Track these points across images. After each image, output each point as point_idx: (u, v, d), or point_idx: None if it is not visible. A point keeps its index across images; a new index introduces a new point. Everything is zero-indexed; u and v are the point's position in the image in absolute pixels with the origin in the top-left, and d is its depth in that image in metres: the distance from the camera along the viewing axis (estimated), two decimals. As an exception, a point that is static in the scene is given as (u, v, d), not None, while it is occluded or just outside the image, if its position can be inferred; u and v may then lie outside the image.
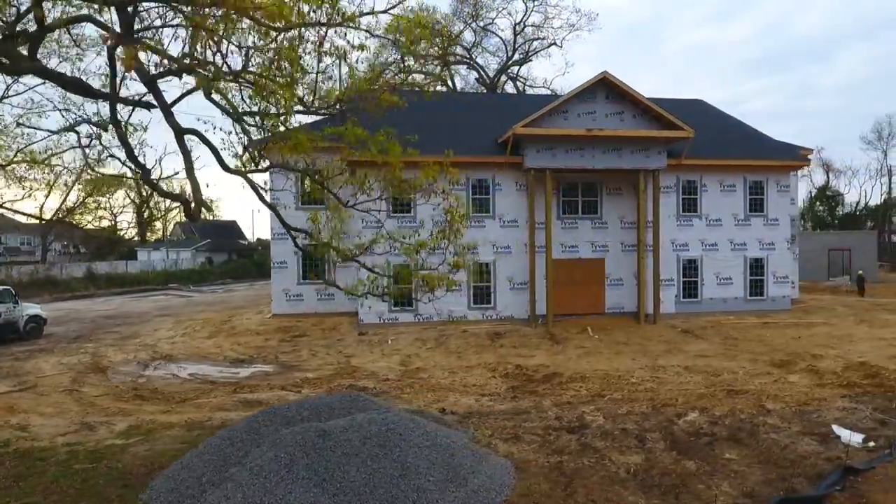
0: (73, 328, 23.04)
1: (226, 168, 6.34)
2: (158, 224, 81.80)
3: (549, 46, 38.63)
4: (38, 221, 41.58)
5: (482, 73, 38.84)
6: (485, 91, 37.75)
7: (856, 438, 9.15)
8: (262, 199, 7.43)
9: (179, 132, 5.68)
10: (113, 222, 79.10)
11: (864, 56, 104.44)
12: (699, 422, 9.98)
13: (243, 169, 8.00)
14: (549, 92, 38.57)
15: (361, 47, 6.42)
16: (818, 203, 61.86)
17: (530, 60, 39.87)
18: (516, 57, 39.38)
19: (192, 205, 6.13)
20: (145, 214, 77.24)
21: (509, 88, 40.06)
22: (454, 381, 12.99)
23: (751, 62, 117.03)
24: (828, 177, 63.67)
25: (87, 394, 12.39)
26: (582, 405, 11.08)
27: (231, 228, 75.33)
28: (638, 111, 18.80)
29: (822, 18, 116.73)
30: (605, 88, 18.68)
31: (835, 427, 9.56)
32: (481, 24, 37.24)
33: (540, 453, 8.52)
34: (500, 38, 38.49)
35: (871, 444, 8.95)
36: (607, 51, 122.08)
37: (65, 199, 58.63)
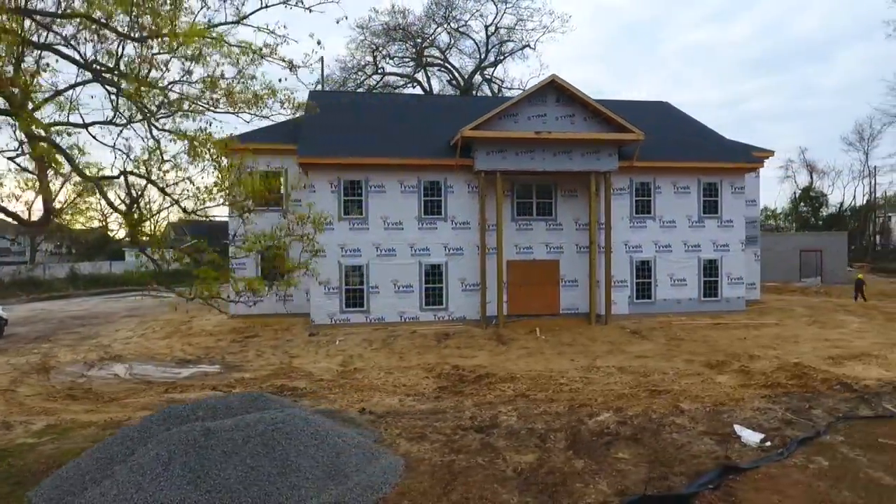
0: (37, 328, 23.13)
1: (82, 175, 6.49)
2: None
3: (522, 48, 38.88)
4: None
5: (455, 74, 39.08)
6: (458, 93, 37.97)
7: (755, 438, 9.33)
8: (109, 203, 7.62)
9: (32, 139, 5.83)
10: (104, 223, 79.00)
11: (863, 56, 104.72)
12: (608, 421, 10.12)
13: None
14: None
15: (197, 57, 6.56)
16: (802, 204, 62.15)
17: (502, 61, 40.19)
18: (491, 59, 39.67)
19: (42, 213, 6.29)
20: (136, 215, 77.52)
21: (486, 90, 40.29)
22: (386, 382, 13.14)
23: (750, 62, 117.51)
24: (811, 177, 64.10)
25: (20, 394, 12.52)
26: (502, 405, 11.21)
27: (223, 229, 75.79)
28: (588, 114, 18.96)
29: (821, 18, 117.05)
30: (556, 91, 18.83)
31: (736, 427, 9.72)
32: (454, 25, 37.48)
33: (438, 452, 8.66)
34: (474, 40, 38.82)
35: (768, 443, 9.12)
36: (606, 51, 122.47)
37: (53, 200, 58.80)
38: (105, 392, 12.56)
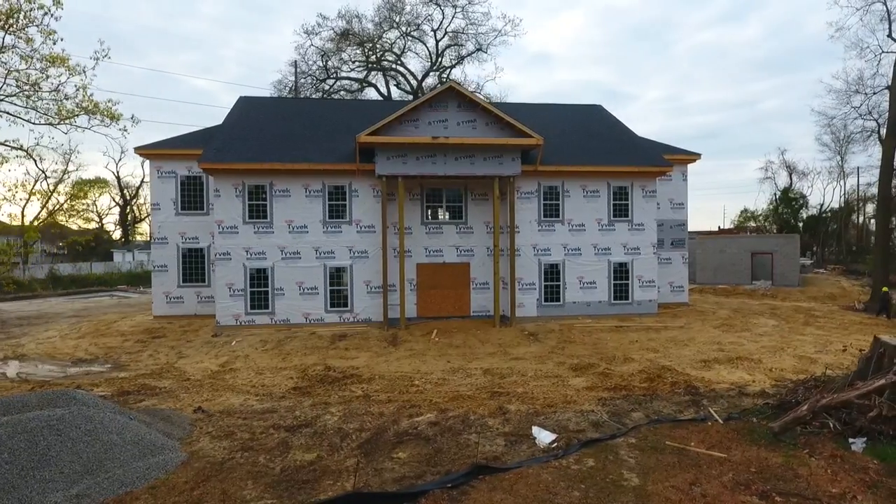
0: (-24, 329, 23.82)
1: None
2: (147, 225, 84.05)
3: (476, 51, 39.25)
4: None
5: (405, 78, 39.50)
6: (411, 97, 38.35)
7: (547, 440, 9.61)
8: None
9: None
10: (100, 224, 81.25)
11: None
12: (422, 422, 10.42)
13: None
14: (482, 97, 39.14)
15: None
16: (782, 205, 61.79)
17: (459, 64, 40.51)
18: (447, 62, 40.08)
19: None
20: (129, 216, 79.31)
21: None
22: (247, 382, 13.53)
23: (761, 62, 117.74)
24: (791, 179, 63.76)
25: None
26: (337, 405, 11.55)
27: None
28: (490, 119, 19.23)
29: (830, 17, 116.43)
30: (457, 97, 19.15)
31: (534, 429, 10.00)
32: (406, 30, 37.92)
33: (227, 450, 9.02)
34: (426, 44, 39.29)
35: (555, 445, 9.40)
36: (616, 52, 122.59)
37: (46, 202, 60.14)
38: (-28, 390, 13.07)
